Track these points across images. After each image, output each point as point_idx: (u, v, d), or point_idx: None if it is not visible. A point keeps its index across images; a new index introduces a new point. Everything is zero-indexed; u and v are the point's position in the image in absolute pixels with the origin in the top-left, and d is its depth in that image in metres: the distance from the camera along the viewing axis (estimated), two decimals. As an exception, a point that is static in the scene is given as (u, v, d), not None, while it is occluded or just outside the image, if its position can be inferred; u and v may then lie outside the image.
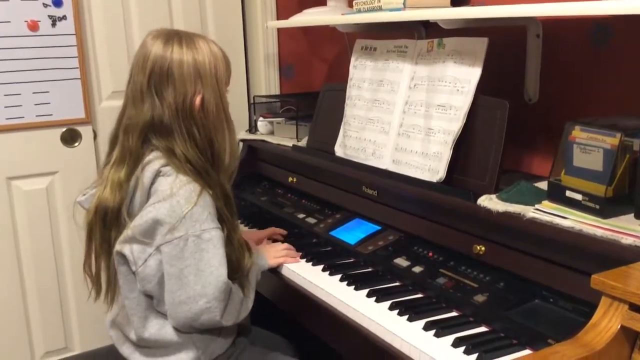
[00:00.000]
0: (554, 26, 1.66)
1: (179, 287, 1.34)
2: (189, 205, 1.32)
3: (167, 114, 1.38)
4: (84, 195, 1.49)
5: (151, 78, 1.38)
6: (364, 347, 1.39)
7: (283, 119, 2.41)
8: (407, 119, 1.75)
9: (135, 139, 1.39)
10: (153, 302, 1.42)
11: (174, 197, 1.33)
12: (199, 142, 1.40)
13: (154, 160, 1.38)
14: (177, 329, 1.41)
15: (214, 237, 1.35)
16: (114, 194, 1.38)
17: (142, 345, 1.46)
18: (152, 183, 1.37)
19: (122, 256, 1.38)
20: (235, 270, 1.43)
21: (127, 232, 1.36)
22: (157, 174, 1.37)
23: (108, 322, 1.54)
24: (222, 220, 1.40)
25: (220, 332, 1.46)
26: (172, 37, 1.41)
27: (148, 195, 1.37)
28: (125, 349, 1.50)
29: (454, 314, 1.37)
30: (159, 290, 1.38)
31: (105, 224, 1.40)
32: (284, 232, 1.85)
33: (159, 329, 1.42)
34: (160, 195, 1.34)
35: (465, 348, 1.21)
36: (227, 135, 1.45)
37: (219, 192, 1.40)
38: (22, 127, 2.19)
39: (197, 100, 1.39)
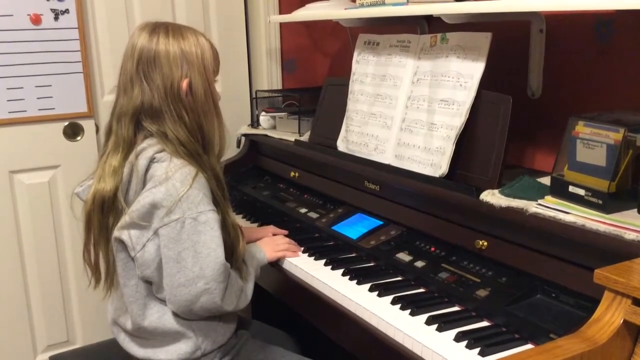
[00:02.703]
0: (557, 21, 1.66)
1: (178, 270, 1.35)
2: (184, 187, 1.34)
3: (157, 97, 1.40)
4: (81, 186, 1.50)
5: (139, 65, 1.41)
6: (366, 341, 1.39)
7: (285, 113, 2.41)
8: (409, 113, 1.74)
9: (127, 125, 1.41)
10: (152, 288, 1.43)
11: (169, 180, 1.34)
12: (188, 125, 1.42)
13: (148, 148, 1.40)
14: (177, 317, 1.42)
15: (210, 219, 1.36)
16: (110, 181, 1.39)
17: (139, 335, 1.47)
18: (147, 170, 1.39)
19: (121, 242, 1.39)
20: (231, 254, 1.44)
21: (125, 218, 1.37)
22: (152, 161, 1.39)
23: (110, 317, 1.55)
24: (217, 203, 1.41)
25: (220, 320, 1.47)
26: (158, 27, 1.44)
27: (144, 183, 1.39)
28: (123, 341, 1.51)
29: (456, 308, 1.37)
30: (158, 276, 1.39)
31: (103, 211, 1.41)
32: (285, 232, 1.84)
33: (159, 317, 1.42)
34: (156, 180, 1.36)
35: (468, 342, 1.21)
36: (216, 123, 1.47)
37: (211, 175, 1.42)
38: (25, 120, 2.19)
39: (184, 83, 1.41)
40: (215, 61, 1.48)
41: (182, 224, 1.34)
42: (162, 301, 1.42)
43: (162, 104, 1.40)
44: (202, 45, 1.44)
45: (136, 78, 1.41)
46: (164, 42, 1.41)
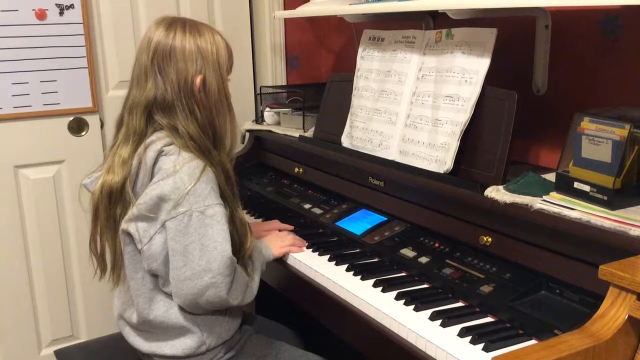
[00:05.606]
0: (563, 17, 1.66)
1: (184, 263, 1.35)
2: (192, 181, 1.34)
3: (170, 92, 1.41)
4: (89, 178, 1.51)
5: (154, 58, 1.42)
6: (370, 336, 1.40)
7: (289, 109, 2.41)
8: (414, 109, 1.74)
9: (139, 117, 1.42)
10: (159, 282, 1.43)
11: (177, 173, 1.35)
12: (200, 121, 1.43)
13: (157, 141, 1.40)
14: (182, 311, 1.42)
15: (217, 213, 1.36)
16: (119, 172, 1.40)
17: (144, 329, 1.47)
18: (155, 163, 1.39)
19: (128, 235, 1.40)
20: (238, 250, 1.44)
21: (133, 211, 1.38)
22: (160, 154, 1.39)
23: (116, 311, 1.55)
24: (225, 198, 1.42)
25: (226, 315, 1.47)
26: (175, 22, 1.44)
27: (151, 175, 1.39)
28: (129, 335, 1.51)
29: (460, 304, 1.37)
30: (165, 270, 1.40)
31: (110, 202, 1.42)
32: (290, 227, 1.85)
33: (165, 310, 1.43)
34: (164, 173, 1.36)
35: (472, 338, 1.22)
36: (228, 120, 1.48)
37: (220, 171, 1.43)
38: (30, 115, 2.19)
39: (198, 80, 1.42)
40: (229, 60, 1.49)
41: (189, 217, 1.34)
42: (168, 295, 1.43)
43: (175, 99, 1.41)
44: (218, 43, 1.45)
45: (150, 71, 1.42)
46: (180, 37, 1.41)
